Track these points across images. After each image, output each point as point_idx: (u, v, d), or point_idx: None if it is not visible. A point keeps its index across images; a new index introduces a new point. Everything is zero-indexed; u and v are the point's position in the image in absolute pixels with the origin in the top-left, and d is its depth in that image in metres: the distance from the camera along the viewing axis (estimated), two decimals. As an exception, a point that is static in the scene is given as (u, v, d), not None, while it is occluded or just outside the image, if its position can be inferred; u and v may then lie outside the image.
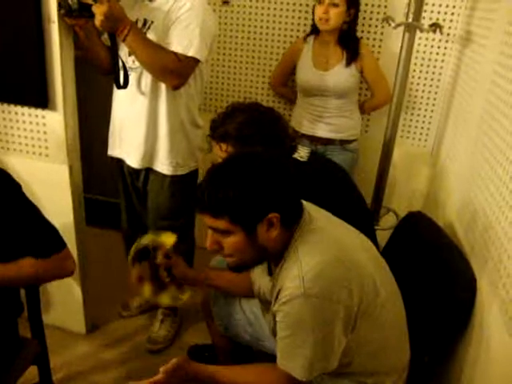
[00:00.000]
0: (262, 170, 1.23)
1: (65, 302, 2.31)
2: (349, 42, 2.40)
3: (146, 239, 1.65)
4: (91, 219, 2.32)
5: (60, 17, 1.78)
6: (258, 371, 1.37)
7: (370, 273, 1.30)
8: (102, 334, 2.40)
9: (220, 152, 1.74)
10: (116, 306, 2.54)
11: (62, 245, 1.53)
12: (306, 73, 2.46)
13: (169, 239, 1.63)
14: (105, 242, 2.89)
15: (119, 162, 2.18)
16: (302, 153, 1.83)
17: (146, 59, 1.84)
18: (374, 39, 2.57)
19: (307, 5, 2.56)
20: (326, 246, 1.27)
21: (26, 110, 1.96)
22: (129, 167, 2.13)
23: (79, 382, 2.12)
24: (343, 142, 2.51)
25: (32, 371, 1.71)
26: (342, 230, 1.42)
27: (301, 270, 1.21)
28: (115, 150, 2.16)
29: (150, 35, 1.89)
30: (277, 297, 1.27)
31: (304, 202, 1.40)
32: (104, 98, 2.19)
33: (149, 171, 2.11)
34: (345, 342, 1.26)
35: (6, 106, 1.97)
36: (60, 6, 1.75)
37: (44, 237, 1.49)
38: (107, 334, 2.39)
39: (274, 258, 1.34)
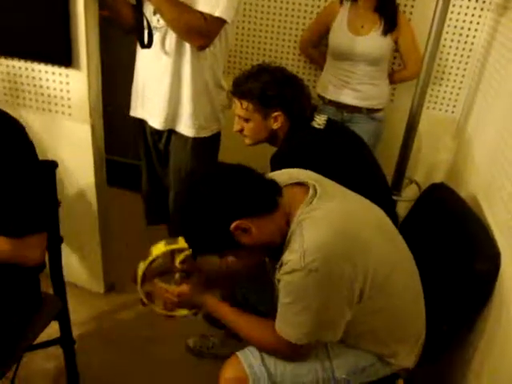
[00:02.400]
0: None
1: (84, 260, 2.35)
2: (387, 10, 2.35)
3: (159, 249, 1.54)
4: (112, 180, 2.32)
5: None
6: (261, 326, 1.38)
7: (379, 245, 1.29)
8: (119, 294, 2.44)
9: (240, 110, 1.74)
10: (134, 266, 2.57)
11: (33, 229, 1.40)
12: (339, 35, 2.41)
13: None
14: (125, 203, 2.90)
15: (141, 122, 2.16)
16: (319, 120, 1.81)
17: (171, 18, 1.80)
18: (405, 5, 2.50)
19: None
20: (331, 220, 1.25)
21: (49, 68, 1.95)
22: (151, 128, 2.12)
23: (97, 339, 2.16)
24: (370, 111, 2.47)
25: (53, 326, 1.74)
26: (352, 203, 1.39)
27: (303, 243, 1.20)
28: (137, 110, 2.14)
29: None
30: (280, 266, 1.26)
31: (313, 175, 1.38)
32: (127, 57, 2.16)
33: (171, 132, 2.09)
34: (350, 314, 1.26)
35: (30, 63, 1.97)
36: None
37: (19, 215, 1.38)
38: (125, 294, 2.43)
39: (279, 250, 1.31)
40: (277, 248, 1.29)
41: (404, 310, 1.38)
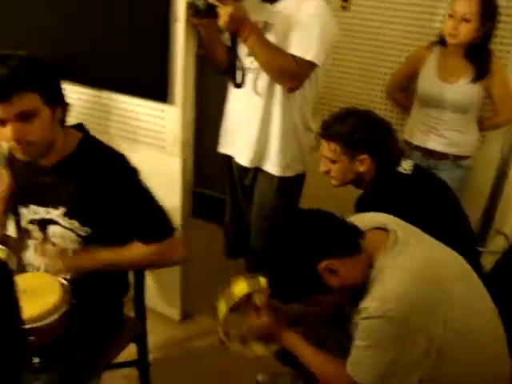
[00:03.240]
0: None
1: (164, 287, 2.42)
2: (479, 56, 2.27)
3: (242, 290, 1.53)
4: (197, 211, 2.40)
5: (187, 16, 1.87)
6: (335, 366, 1.37)
7: (462, 295, 1.25)
8: (194, 323, 2.48)
9: (327, 151, 1.77)
10: (211, 298, 2.61)
11: (171, 231, 1.56)
12: (428, 82, 2.38)
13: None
14: (207, 235, 2.97)
15: (229, 158, 2.24)
16: (406, 166, 1.80)
17: (265, 60, 1.87)
18: (501, 50, 2.43)
19: (432, 13, 2.49)
20: (413, 269, 1.24)
21: (147, 102, 2.07)
22: (238, 164, 2.19)
23: (170, 365, 2.21)
24: (457, 158, 2.41)
25: (130, 349, 1.81)
26: (435, 251, 1.37)
27: (383, 290, 1.20)
28: (226, 147, 2.22)
29: (270, 37, 1.92)
30: (359, 311, 1.26)
31: (395, 220, 1.38)
32: (219, 95, 2.26)
33: (257, 170, 2.15)
34: (426, 364, 1.23)
35: (129, 97, 2.11)
36: (189, 6, 1.85)
37: (155, 222, 1.54)
38: (199, 324, 2.47)
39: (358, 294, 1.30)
40: (357, 292, 1.28)
41: (487, 362, 1.32)
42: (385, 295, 1.18)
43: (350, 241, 1.29)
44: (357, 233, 1.31)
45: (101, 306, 1.60)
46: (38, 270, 1.57)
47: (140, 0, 1.96)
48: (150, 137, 2.13)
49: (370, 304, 1.21)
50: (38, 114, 1.34)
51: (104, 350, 1.63)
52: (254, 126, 2.04)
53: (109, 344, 1.65)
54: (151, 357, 2.18)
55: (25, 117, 1.31)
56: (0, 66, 1.28)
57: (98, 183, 1.44)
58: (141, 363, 1.91)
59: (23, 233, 1.64)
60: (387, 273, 1.23)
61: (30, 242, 1.61)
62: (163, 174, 2.13)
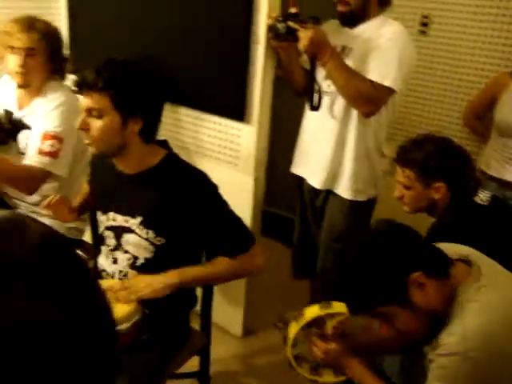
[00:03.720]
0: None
1: (228, 303, 2.45)
2: None
3: (314, 312, 1.54)
4: (265, 230, 2.43)
5: (267, 39, 1.93)
6: None
7: None
8: (256, 339, 2.50)
9: (401, 177, 1.75)
10: (273, 316, 2.62)
11: (253, 241, 1.62)
12: (507, 110, 2.31)
13: (342, 308, 1.49)
14: (275, 254, 2.98)
15: (301, 179, 2.26)
16: (483, 196, 1.75)
17: (342, 85, 1.89)
18: None
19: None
20: (498, 308, 1.19)
21: (223, 120, 2.14)
22: (309, 186, 2.20)
23: (230, 380, 2.24)
24: (535, 191, 2.31)
25: (193, 360, 1.85)
26: None
27: (464, 327, 1.15)
28: (299, 168, 2.24)
29: (348, 61, 1.94)
30: (435, 346, 1.21)
31: (476, 253, 1.33)
32: (294, 116, 2.29)
33: (329, 193, 2.15)
34: None
35: (207, 115, 2.18)
36: (269, 29, 1.90)
37: (237, 235, 1.60)
38: (261, 341, 2.48)
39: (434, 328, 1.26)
40: (434, 322, 1.25)
41: None
42: (466, 332, 1.14)
43: (443, 263, 1.26)
44: (448, 259, 1.28)
45: (170, 317, 1.65)
46: (112, 276, 1.65)
47: (222, 22, 2.03)
48: (225, 154, 2.18)
49: (448, 339, 1.17)
50: (104, 115, 1.44)
51: (169, 359, 1.67)
52: (327, 148, 2.06)
53: (174, 354, 1.69)
54: (212, 370, 2.21)
55: (91, 113, 1.44)
56: (91, 68, 1.44)
57: (177, 196, 1.50)
58: (202, 375, 1.94)
59: (99, 239, 1.73)
60: (471, 308, 1.18)
61: (104, 249, 1.69)
62: (235, 191, 2.17)
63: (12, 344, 0.44)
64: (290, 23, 1.84)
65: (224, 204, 1.59)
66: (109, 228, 1.64)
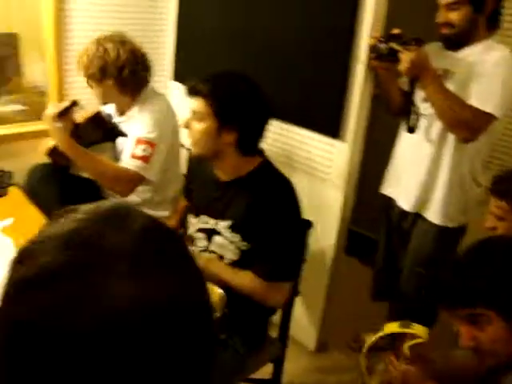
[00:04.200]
0: None
1: (305, 316, 2.47)
2: None
3: (393, 328, 1.53)
4: (347, 248, 2.43)
5: (368, 59, 1.94)
6: None
7: None
8: (328, 356, 2.49)
9: (495, 208, 1.70)
10: (348, 335, 2.61)
11: (285, 278, 1.62)
12: None
13: (421, 330, 1.49)
14: (355, 273, 2.96)
15: (389, 200, 2.24)
16: None
17: (441, 109, 1.86)
18: None
19: None
20: None
21: (317, 135, 2.17)
22: (398, 208, 2.18)
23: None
24: None
25: (266, 368, 1.88)
26: None
27: None
28: (389, 188, 2.23)
29: (450, 85, 1.91)
30: None
31: None
32: (388, 136, 2.28)
33: (417, 216, 2.12)
34: None
35: (301, 129, 2.22)
36: (371, 49, 1.92)
37: (279, 262, 1.59)
38: (333, 358, 2.47)
39: None
40: None
41: None
42: None
43: None
44: None
45: (249, 320, 1.70)
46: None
47: (325, 40, 2.08)
48: (316, 169, 2.21)
49: None
50: (202, 119, 1.55)
51: (245, 362, 1.72)
52: (420, 172, 2.03)
53: (250, 358, 1.74)
54: (283, 379, 2.23)
55: (194, 115, 1.58)
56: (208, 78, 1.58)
57: (265, 205, 1.55)
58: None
59: (188, 240, 1.81)
60: None
61: (194, 250, 1.77)
62: (323, 206, 2.20)
63: (119, 328, 0.46)
64: (393, 44, 1.85)
65: (292, 228, 1.61)
66: (200, 230, 1.72)
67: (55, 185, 2.23)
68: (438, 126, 1.96)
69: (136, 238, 0.52)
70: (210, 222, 1.69)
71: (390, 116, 2.19)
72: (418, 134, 2.01)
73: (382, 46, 1.88)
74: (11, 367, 0.49)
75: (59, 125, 1.99)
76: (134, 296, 0.48)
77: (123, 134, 2.20)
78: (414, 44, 1.83)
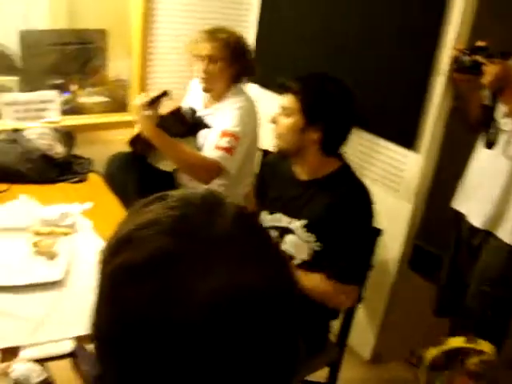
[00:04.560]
0: None
1: (363, 324, 2.45)
2: None
3: (457, 342, 1.54)
4: (410, 262, 2.40)
5: (450, 71, 1.92)
6: None
7: None
8: (383, 368, 2.46)
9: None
10: (406, 349, 2.57)
11: (356, 281, 1.63)
12: None
13: (487, 347, 1.49)
14: (416, 288, 2.91)
15: (460, 215, 2.19)
16: None
17: None
18: None
19: None
20: None
21: (390, 145, 2.16)
22: (468, 224, 2.12)
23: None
24: None
25: (321, 371, 1.90)
26: None
27: None
28: (461, 204, 2.17)
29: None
30: None
31: None
32: (463, 151, 2.23)
33: (488, 234, 2.07)
34: None
35: (375, 137, 2.22)
36: (454, 61, 1.89)
37: (352, 265, 1.60)
38: (388, 370, 2.44)
39: None
40: None
41: None
42: None
43: None
44: None
45: (311, 321, 1.71)
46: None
47: (407, 51, 2.06)
48: (386, 178, 2.20)
49: None
50: (290, 114, 1.60)
51: (304, 362, 1.73)
52: (495, 188, 1.98)
53: (309, 358, 1.75)
54: (337, 385, 2.23)
55: (283, 111, 1.63)
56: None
57: (344, 208, 1.57)
58: (329, 388, 1.97)
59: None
60: None
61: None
62: (392, 216, 2.18)
63: (225, 316, 0.47)
64: (477, 57, 1.82)
65: (366, 233, 1.63)
66: (273, 227, 1.75)
67: (133, 173, 2.34)
68: None
69: (234, 225, 0.53)
70: (283, 220, 1.71)
71: (465, 130, 2.15)
72: (496, 150, 1.96)
73: (466, 58, 1.85)
74: (118, 357, 0.51)
75: (148, 113, 2.08)
76: (239, 283, 0.49)
77: (207, 126, 2.29)
78: (499, 57, 1.79)
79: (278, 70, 2.62)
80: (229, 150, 2.11)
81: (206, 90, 2.28)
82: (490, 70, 1.78)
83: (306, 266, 1.66)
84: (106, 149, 2.46)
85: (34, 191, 1.99)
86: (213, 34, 2.19)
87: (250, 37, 2.91)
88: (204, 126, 2.31)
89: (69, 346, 1.27)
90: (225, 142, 2.12)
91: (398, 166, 2.16)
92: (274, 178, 1.84)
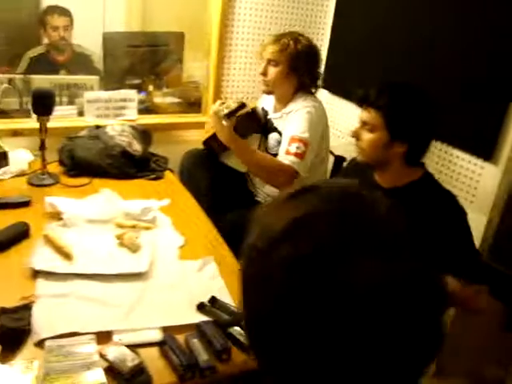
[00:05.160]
0: None
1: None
2: None
3: None
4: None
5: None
6: None
7: None
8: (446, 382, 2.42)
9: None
10: (466, 365, 2.52)
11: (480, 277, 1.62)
12: None
13: None
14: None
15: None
16: None
17: None
18: None
19: None
20: None
21: (467, 155, 2.13)
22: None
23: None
24: None
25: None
26: None
27: None
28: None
29: None
30: None
31: None
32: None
33: None
34: None
35: (449, 147, 2.19)
36: None
37: (470, 262, 1.61)
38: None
39: None
40: None
41: None
42: None
43: None
44: None
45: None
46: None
47: (490, 59, 2.02)
48: (461, 189, 2.17)
49: None
50: (374, 130, 1.60)
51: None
52: None
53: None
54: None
55: (365, 126, 1.63)
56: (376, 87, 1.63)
57: (429, 214, 1.56)
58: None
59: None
60: None
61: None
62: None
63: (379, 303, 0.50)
64: None
65: (469, 230, 1.63)
66: None
67: (207, 171, 2.41)
68: None
69: (391, 214, 0.56)
70: None
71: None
72: None
73: None
74: (276, 345, 0.54)
75: (227, 123, 2.15)
76: (397, 271, 0.51)
77: (276, 130, 2.33)
78: None
79: (349, 78, 2.66)
80: (299, 155, 2.13)
81: (266, 92, 2.32)
82: None
83: None
84: (179, 148, 2.53)
85: (114, 186, 2.06)
86: (278, 37, 2.23)
87: (325, 41, 2.93)
88: (273, 128, 2.34)
89: (158, 335, 1.32)
90: (294, 148, 2.14)
91: (473, 178, 2.13)
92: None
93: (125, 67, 2.72)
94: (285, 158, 2.15)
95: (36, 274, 1.51)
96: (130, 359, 1.21)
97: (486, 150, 2.05)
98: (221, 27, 2.59)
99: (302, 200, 0.57)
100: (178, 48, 2.77)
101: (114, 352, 1.23)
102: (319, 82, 2.35)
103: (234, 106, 2.20)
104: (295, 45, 2.21)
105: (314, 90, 2.33)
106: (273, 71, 2.22)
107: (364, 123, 1.63)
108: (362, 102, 1.64)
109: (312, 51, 2.28)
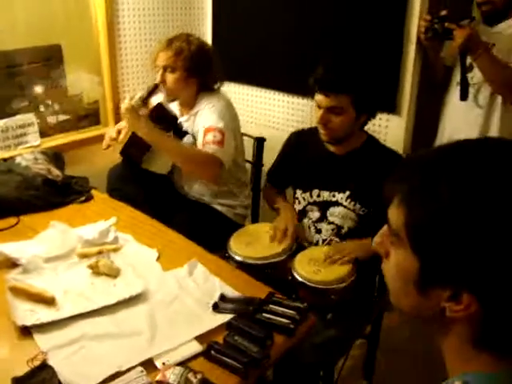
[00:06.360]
0: None
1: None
2: None
3: None
4: None
5: (423, 39, 2.16)
6: None
7: None
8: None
9: None
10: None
11: None
12: None
13: None
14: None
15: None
16: None
17: (493, 75, 2.10)
18: None
19: None
20: None
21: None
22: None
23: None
24: None
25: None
26: None
27: None
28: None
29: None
30: None
31: None
32: (434, 108, 2.49)
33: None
34: None
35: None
36: (426, 30, 2.13)
37: None
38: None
39: None
40: None
41: None
42: None
43: None
44: None
45: (372, 285, 1.89)
46: (315, 244, 1.91)
47: (379, 24, 2.28)
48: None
49: None
50: (343, 112, 1.73)
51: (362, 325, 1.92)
52: (472, 136, 2.25)
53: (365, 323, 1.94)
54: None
55: (333, 110, 1.73)
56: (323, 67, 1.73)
57: (378, 172, 1.69)
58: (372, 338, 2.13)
59: (299, 214, 1.97)
60: None
61: (306, 221, 1.95)
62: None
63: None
64: (449, 24, 2.07)
65: None
66: (312, 203, 1.89)
67: (137, 183, 2.30)
68: (486, 91, 2.20)
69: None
70: (323, 195, 1.86)
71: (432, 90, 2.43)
72: (467, 102, 2.23)
73: (438, 26, 2.09)
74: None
75: (142, 111, 2.04)
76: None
77: (187, 133, 2.27)
78: (468, 22, 2.06)
79: (240, 61, 2.74)
80: (217, 143, 2.07)
81: (169, 100, 2.24)
82: (460, 34, 2.04)
83: (354, 234, 1.82)
84: (95, 164, 2.41)
85: (47, 218, 1.91)
86: (168, 42, 2.16)
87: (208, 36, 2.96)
88: (185, 132, 2.28)
89: (198, 345, 1.32)
90: (211, 137, 2.07)
91: (381, 131, 2.38)
92: (302, 158, 1.96)
93: (8, 90, 2.45)
94: (205, 148, 2.06)
95: (27, 330, 1.37)
96: (191, 376, 1.20)
97: (389, 105, 2.31)
98: (109, 34, 2.49)
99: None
100: (55, 62, 2.57)
101: (172, 374, 1.21)
102: (220, 77, 2.28)
103: (145, 91, 2.11)
104: (188, 47, 2.15)
105: (216, 87, 2.28)
106: (171, 78, 2.15)
107: (331, 108, 1.73)
108: (322, 90, 1.72)
109: (205, 49, 2.24)
